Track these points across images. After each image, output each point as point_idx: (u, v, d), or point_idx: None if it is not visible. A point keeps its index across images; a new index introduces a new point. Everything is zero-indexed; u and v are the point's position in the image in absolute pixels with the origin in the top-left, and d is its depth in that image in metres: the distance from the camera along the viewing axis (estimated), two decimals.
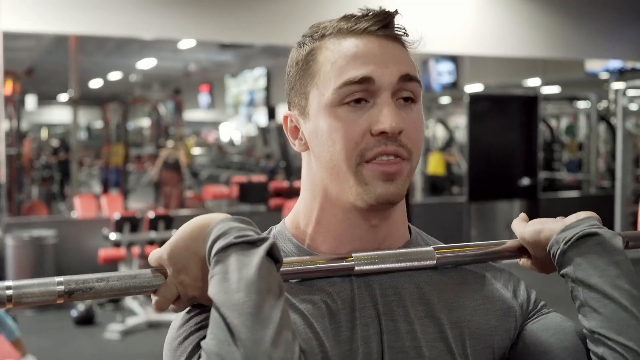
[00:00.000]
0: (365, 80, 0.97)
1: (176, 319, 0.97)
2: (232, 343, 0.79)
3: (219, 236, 0.87)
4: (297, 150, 1.06)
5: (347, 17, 1.02)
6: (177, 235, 0.93)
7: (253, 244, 0.86)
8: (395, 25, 1.02)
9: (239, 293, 0.81)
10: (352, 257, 1.00)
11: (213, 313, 0.82)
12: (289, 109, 1.07)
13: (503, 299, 1.08)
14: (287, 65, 1.06)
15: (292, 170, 10.49)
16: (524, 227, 1.10)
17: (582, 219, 1.05)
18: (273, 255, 0.87)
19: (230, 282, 0.83)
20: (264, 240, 0.87)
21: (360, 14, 1.01)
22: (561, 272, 1.04)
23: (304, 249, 1.04)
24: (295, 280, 1.01)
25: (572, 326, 1.04)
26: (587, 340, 1.00)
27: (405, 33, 1.03)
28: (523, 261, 1.13)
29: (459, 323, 1.04)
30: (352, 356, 0.97)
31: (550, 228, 1.07)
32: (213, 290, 0.84)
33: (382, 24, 1.00)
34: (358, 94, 0.98)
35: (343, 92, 0.98)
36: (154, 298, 0.92)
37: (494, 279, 1.10)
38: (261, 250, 0.85)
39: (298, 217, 1.07)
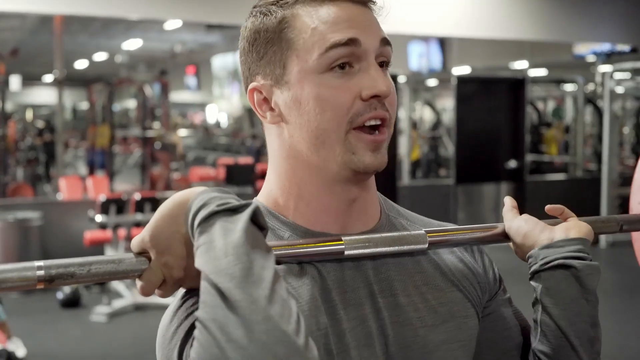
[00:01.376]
0: (352, 42, 0.96)
1: (169, 306, 0.95)
2: (225, 307, 0.76)
3: (200, 207, 0.85)
4: (268, 123, 1.02)
5: None
6: (156, 215, 0.90)
7: (235, 210, 0.84)
8: None
9: (227, 257, 0.79)
10: (342, 240, 0.99)
11: (203, 284, 0.80)
12: (254, 81, 1.02)
13: (475, 268, 1.11)
14: (245, 37, 1.03)
15: None
16: (512, 220, 1.10)
17: (570, 240, 1.04)
18: (257, 221, 0.85)
19: (217, 249, 0.80)
20: (246, 205, 0.85)
21: None
22: (530, 282, 1.05)
23: (297, 226, 1.02)
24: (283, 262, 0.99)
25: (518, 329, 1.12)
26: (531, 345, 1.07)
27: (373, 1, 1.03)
28: (515, 249, 1.13)
29: (454, 282, 1.06)
30: (348, 335, 0.96)
31: (535, 236, 1.06)
32: (200, 261, 0.82)
33: None
34: (344, 58, 0.96)
35: (329, 56, 0.95)
36: (138, 283, 0.90)
37: (465, 250, 1.13)
38: (245, 215, 0.83)
39: (274, 194, 1.03)
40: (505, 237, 1.10)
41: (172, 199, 0.90)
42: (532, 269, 1.04)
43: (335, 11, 0.97)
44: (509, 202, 1.14)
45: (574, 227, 1.06)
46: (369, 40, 0.97)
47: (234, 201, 0.85)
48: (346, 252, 0.98)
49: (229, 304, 0.76)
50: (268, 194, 1.04)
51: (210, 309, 0.77)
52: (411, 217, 1.12)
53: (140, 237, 0.90)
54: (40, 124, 17.45)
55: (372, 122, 0.97)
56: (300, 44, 0.97)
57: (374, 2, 1.02)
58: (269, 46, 0.99)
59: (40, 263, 0.85)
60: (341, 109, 0.96)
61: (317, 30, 0.97)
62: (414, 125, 11.60)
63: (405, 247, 1.02)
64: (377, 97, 0.96)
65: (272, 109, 1.01)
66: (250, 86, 1.02)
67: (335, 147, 0.97)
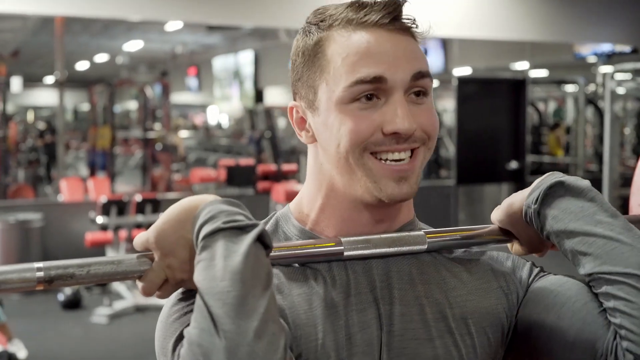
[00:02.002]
0: (377, 80, 0.95)
1: (170, 297, 0.95)
2: (214, 333, 0.77)
3: (207, 220, 0.85)
4: (304, 142, 1.05)
5: (355, 6, 0.99)
6: (164, 217, 0.90)
7: (242, 229, 0.84)
8: (405, 16, 0.99)
9: (224, 282, 0.79)
10: (341, 241, 0.99)
11: (197, 300, 0.80)
12: (295, 99, 1.05)
13: (503, 274, 1.08)
14: (292, 54, 1.03)
15: (280, 153, 10.46)
16: (497, 210, 1.08)
17: (544, 178, 1.02)
18: (263, 240, 0.85)
19: (216, 270, 0.80)
20: (253, 226, 0.84)
21: (368, 1, 0.99)
22: (544, 233, 1.01)
23: (306, 231, 1.04)
24: (291, 265, 1.00)
25: (574, 278, 1.02)
26: (591, 286, 0.97)
27: (415, 23, 1.00)
28: (515, 248, 1.11)
29: (459, 302, 1.03)
30: (350, 342, 0.96)
31: (519, 198, 1.04)
32: (198, 277, 0.82)
33: (392, 15, 0.97)
34: (370, 92, 0.96)
35: (354, 91, 0.96)
36: (139, 283, 0.90)
37: (490, 257, 1.10)
38: (250, 238, 0.83)
39: (302, 203, 1.06)
40: (504, 235, 1.09)
41: (181, 204, 0.90)
42: (533, 215, 1.00)
43: (368, 40, 0.97)
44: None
45: (545, 175, 1.03)
46: (398, 76, 0.96)
47: (242, 218, 0.85)
48: (345, 253, 0.98)
49: (217, 331, 0.77)
50: (299, 201, 1.07)
51: (199, 331, 0.78)
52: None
53: (145, 237, 0.90)
54: (41, 125, 17.44)
55: (396, 156, 0.97)
56: (330, 72, 0.98)
57: (412, 27, 1.00)
58: (304, 69, 1.01)
59: (40, 264, 0.85)
60: (358, 136, 0.96)
61: (347, 60, 0.96)
62: None
63: (405, 248, 1.02)
64: (397, 134, 0.96)
65: (307, 130, 1.03)
66: (290, 104, 1.05)
67: (357, 171, 0.97)
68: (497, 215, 1.08)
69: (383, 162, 0.97)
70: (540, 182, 1.01)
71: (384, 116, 0.96)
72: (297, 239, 1.03)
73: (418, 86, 0.98)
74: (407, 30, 0.99)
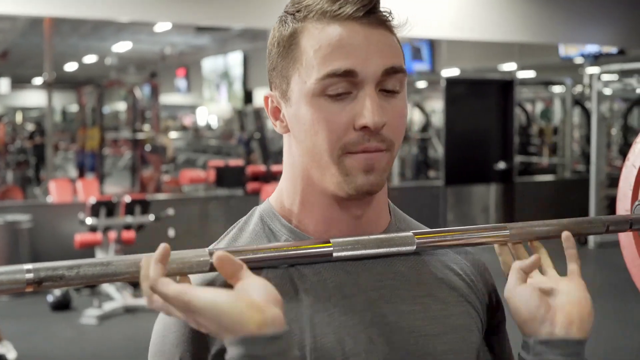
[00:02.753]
0: (348, 74, 0.95)
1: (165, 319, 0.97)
2: None
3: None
4: (278, 132, 1.05)
5: None
6: (219, 303, 0.83)
7: None
8: (381, 9, 0.98)
9: None
10: (330, 242, 0.99)
11: None
12: (271, 89, 1.05)
13: (483, 281, 1.12)
14: (269, 43, 1.03)
15: (269, 154, 10.46)
16: (515, 285, 1.02)
17: (569, 342, 0.98)
18: None
19: None
20: None
21: None
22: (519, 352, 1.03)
23: (294, 230, 1.03)
24: (286, 266, 1.00)
25: None
26: None
27: (391, 17, 0.99)
28: (503, 258, 1.10)
29: (460, 294, 1.07)
30: (347, 341, 0.97)
31: (535, 326, 1.00)
32: None
33: (367, 8, 0.96)
34: (341, 86, 0.95)
35: (325, 84, 0.95)
36: (147, 289, 0.86)
37: (455, 259, 1.12)
38: None
39: (282, 196, 1.06)
40: (495, 239, 1.09)
41: (239, 314, 0.82)
42: (524, 357, 1.00)
43: (340, 33, 0.96)
44: (520, 264, 1.04)
45: (576, 321, 0.99)
46: (369, 70, 0.95)
47: None
48: (334, 254, 0.98)
49: None
50: (278, 195, 1.07)
51: None
52: (418, 228, 1.12)
53: (185, 295, 0.85)
54: (30, 126, 17.36)
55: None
56: (302, 64, 0.97)
57: (388, 20, 0.99)
58: (279, 59, 1.00)
59: (29, 266, 0.85)
60: (333, 135, 0.96)
61: (319, 53, 0.96)
62: None
63: (394, 249, 1.02)
64: (367, 128, 0.95)
65: (281, 120, 1.03)
66: (266, 93, 1.05)
67: (331, 167, 0.98)
68: (514, 291, 1.03)
69: (356, 155, 0.97)
70: (560, 344, 0.98)
71: (354, 110, 0.95)
72: (287, 237, 1.03)
73: (390, 81, 0.97)
74: (382, 24, 0.98)
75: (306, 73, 0.97)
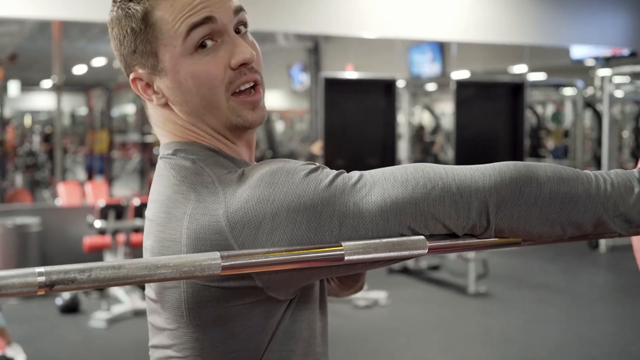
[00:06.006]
0: (208, 20, 1.05)
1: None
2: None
3: None
4: (156, 105, 1.13)
5: None
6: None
7: None
8: None
9: None
10: (342, 246, 0.98)
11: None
12: (134, 71, 1.12)
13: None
14: (116, 36, 1.12)
15: (278, 156, 10.46)
16: None
17: None
18: None
19: None
20: None
21: None
22: None
23: (236, 159, 1.12)
24: None
25: None
26: None
27: None
28: None
29: None
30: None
31: None
32: None
33: None
34: (206, 36, 1.06)
35: (192, 39, 1.06)
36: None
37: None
38: None
39: (214, 143, 1.12)
40: (505, 243, 1.09)
41: None
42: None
43: None
44: None
45: None
46: (224, 15, 1.07)
47: None
48: (346, 258, 0.98)
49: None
50: (208, 142, 1.13)
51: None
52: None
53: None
54: (47, 128, 17.42)
55: (246, 86, 1.09)
56: (165, 34, 1.07)
57: None
58: (138, 41, 1.09)
59: (41, 269, 0.85)
60: (215, 80, 1.07)
61: (177, 17, 1.06)
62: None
63: (406, 253, 1.01)
64: (245, 64, 1.08)
65: (156, 92, 1.12)
66: (132, 76, 1.13)
67: (220, 109, 1.09)
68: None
69: (240, 95, 1.09)
70: None
71: (227, 53, 1.07)
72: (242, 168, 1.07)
73: (240, 20, 1.10)
74: None
75: (172, 39, 1.06)
